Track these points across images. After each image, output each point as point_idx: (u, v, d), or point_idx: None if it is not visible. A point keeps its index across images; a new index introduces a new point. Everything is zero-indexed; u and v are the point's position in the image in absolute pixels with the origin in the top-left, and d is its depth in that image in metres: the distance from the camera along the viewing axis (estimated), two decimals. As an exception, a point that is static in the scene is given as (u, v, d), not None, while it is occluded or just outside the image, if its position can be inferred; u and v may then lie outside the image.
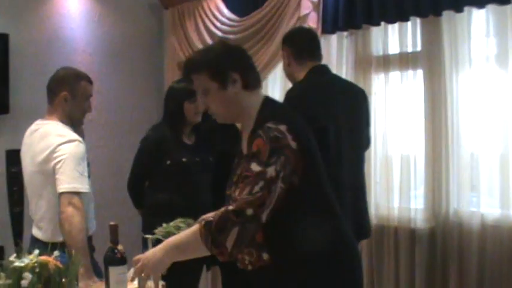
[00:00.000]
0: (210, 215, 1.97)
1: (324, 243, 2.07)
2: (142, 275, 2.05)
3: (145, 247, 2.18)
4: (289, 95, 3.19)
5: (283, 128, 2.00)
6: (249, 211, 1.90)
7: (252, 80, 2.19)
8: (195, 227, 1.99)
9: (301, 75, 3.22)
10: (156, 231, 2.52)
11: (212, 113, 2.21)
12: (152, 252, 2.07)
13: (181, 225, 2.51)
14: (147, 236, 2.28)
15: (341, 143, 3.09)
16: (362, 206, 3.28)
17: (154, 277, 2.05)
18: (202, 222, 1.95)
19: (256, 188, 1.92)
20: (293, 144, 2.00)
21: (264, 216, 1.93)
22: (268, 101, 2.21)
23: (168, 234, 2.42)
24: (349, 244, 2.23)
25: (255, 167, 1.95)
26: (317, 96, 3.13)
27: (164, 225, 2.55)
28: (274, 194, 1.94)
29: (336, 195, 2.99)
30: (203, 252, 1.98)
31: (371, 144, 3.84)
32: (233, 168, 2.25)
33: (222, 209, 1.95)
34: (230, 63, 2.15)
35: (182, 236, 2.05)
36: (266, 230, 2.02)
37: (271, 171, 1.94)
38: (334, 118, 3.09)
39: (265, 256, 2.08)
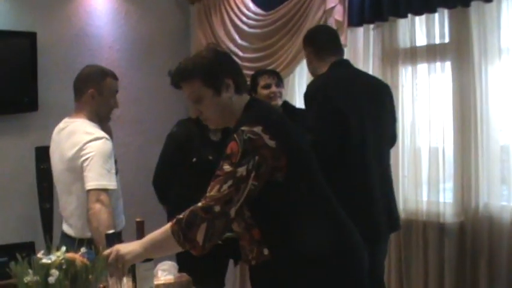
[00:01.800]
0: (181, 214, 2.06)
1: (320, 237, 2.12)
2: (118, 265, 2.08)
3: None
4: (310, 87, 3.22)
5: (258, 129, 2.06)
6: (217, 208, 2.00)
7: (242, 83, 2.26)
8: (168, 224, 2.08)
9: (323, 70, 3.25)
10: None
11: (205, 119, 2.26)
12: (129, 245, 2.13)
13: None
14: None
15: (365, 134, 3.08)
16: (391, 198, 3.26)
17: (125, 269, 2.11)
18: (174, 220, 2.06)
19: (225, 187, 2.01)
20: (271, 143, 2.06)
21: (232, 212, 2.02)
22: (251, 103, 2.26)
23: None
24: (348, 238, 2.24)
25: (226, 167, 2.04)
26: (339, 87, 3.14)
27: None
28: (243, 192, 2.02)
29: (364, 186, 3.01)
30: (177, 248, 2.07)
31: (399, 138, 3.80)
32: None
33: (192, 206, 2.04)
34: (223, 68, 2.19)
35: (157, 233, 2.11)
36: (262, 226, 2.12)
37: (241, 170, 2.02)
38: (357, 109, 3.08)
39: (265, 251, 2.13)
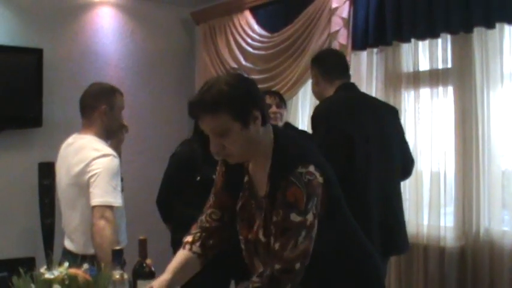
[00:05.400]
0: (255, 280, 1.90)
1: (347, 271, 2.07)
2: None
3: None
4: (317, 109, 3.21)
5: (312, 168, 1.92)
6: (297, 265, 1.87)
7: (268, 114, 2.05)
8: None
9: (329, 93, 3.25)
10: None
11: (227, 154, 2.01)
12: None
13: None
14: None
15: (370, 157, 3.08)
16: (393, 222, 3.21)
17: None
18: None
19: (300, 239, 1.88)
20: (321, 179, 1.95)
21: (308, 261, 1.91)
22: (279, 134, 2.08)
23: None
24: (372, 266, 2.19)
25: (295, 218, 1.88)
26: (345, 110, 3.14)
27: None
28: (314, 238, 1.92)
29: (362, 210, 2.99)
30: None
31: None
32: (243, 207, 2.15)
33: (268, 270, 1.89)
34: (252, 99, 1.96)
35: None
36: None
37: (310, 217, 1.90)
38: (363, 132, 3.08)
39: None
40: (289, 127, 3.93)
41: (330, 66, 3.30)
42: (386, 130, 3.23)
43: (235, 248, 2.25)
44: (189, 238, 2.21)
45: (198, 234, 2.21)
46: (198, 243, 2.19)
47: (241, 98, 1.92)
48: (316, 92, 3.39)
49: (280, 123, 3.77)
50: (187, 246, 2.19)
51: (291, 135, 2.18)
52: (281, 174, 1.94)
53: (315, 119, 3.18)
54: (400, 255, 3.67)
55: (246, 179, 2.14)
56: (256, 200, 2.10)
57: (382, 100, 3.72)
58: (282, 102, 3.86)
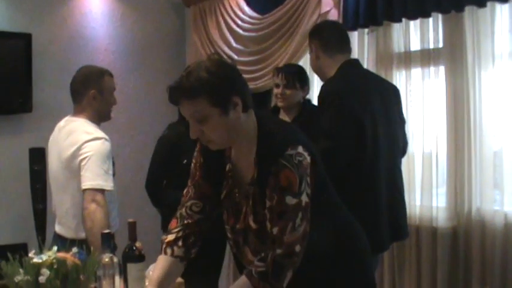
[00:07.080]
0: (259, 264, 1.91)
1: (333, 243, 2.08)
2: None
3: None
4: (326, 90, 3.05)
5: (300, 149, 1.93)
6: (297, 247, 1.90)
7: (249, 100, 2.02)
8: (244, 280, 1.94)
9: (331, 69, 3.11)
10: None
11: (207, 140, 2.01)
12: None
13: None
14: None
15: (378, 140, 3.01)
16: (400, 205, 3.20)
17: None
18: (256, 275, 1.90)
19: (298, 221, 1.89)
20: (309, 158, 1.96)
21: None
22: (262, 118, 2.07)
23: None
24: (357, 243, 2.21)
25: (290, 200, 1.89)
26: (354, 91, 3.02)
27: None
28: (309, 218, 1.93)
29: (372, 194, 2.98)
30: None
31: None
32: (227, 196, 2.15)
33: (269, 254, 1.90)
34: (232, 86, 1.95)
35: None
36: None
37: (304, 198, 1.92)
38: (372, 116, 3.00)
39: None
40: (308, 105, 3.76)
41: (331, 38, 3.17)
42: (390, 112, 3.17)
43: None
44: (170, 237, 2.17)
45: (180, 233, 2.18)
46: (179, 243, 2.16)
47: (220, 85, 1.91)
48: (316, 67, 3.24)
49: (290, 103, 3.65)
50: (169, 251, 2.15)
51: (274, 118, 2.17)
52: (271, 158, 1.93)
53: (324, 99, 3.03)
54: (403, 240, 3.63)
55: (228, 167, 2.13)
56: (240, 187, 2.08)
57: (385, 78, 3.65)
58: (294, 81, 3.63)
